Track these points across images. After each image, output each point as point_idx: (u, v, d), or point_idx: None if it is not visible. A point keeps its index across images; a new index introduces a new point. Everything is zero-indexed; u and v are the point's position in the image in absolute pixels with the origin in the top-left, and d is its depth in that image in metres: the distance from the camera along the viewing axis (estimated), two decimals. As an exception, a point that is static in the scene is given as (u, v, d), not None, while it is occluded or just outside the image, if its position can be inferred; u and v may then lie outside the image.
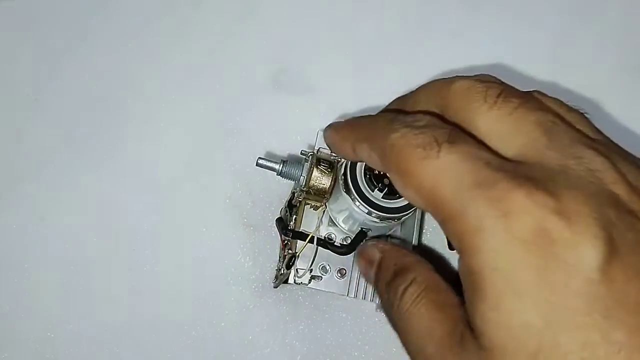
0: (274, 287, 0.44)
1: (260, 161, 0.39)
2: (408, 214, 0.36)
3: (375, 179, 0.36)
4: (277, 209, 0.47)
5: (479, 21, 0.54)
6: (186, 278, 0.47)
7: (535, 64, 0.52)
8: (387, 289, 0.32)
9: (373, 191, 0.36)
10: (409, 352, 0.30)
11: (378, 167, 0.31)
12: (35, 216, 0.48)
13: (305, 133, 0.49)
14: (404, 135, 0.28)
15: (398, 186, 0.29)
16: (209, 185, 0.48)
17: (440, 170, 0.26)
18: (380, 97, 0.48)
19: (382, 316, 0.34)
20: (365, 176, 0.36)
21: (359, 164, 0.36)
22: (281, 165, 0.39)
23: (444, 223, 0.27)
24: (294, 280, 0.40)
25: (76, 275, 0.47)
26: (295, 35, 0.53)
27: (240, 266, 0.47)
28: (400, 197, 0.36)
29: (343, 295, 0.41)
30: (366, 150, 0.31)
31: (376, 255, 0.35)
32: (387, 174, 0.33)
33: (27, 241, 0.47)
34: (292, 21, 0.54)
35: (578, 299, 0.23)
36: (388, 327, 0.33)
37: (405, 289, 0.31)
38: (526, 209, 0.24)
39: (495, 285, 0.24)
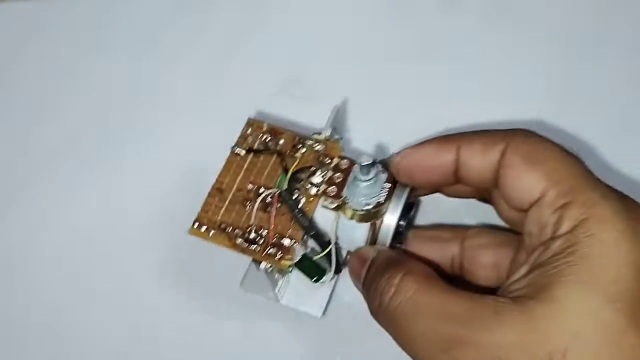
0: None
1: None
2: None
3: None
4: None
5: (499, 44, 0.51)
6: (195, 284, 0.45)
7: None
8: (379, 284, 0.32)
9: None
10: (413, 346, 0.29)
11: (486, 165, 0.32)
12: (40, 222, 0.47)
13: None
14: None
15: (518, 173, 0.30)
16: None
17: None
18: (391, 109, 0.49)
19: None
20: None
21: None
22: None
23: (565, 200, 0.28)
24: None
25: (82, 280, 0.46)
26: (307, 44, 0.52)
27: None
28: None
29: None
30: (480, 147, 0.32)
31: (370, 253, 0.35)
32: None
33: (32, 246, 0.47)
34: (304, 29, 0.53)
35: None
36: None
37: (403, 278, 0.30)
38: None
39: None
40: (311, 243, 0.37)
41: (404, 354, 0.38)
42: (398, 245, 0.38)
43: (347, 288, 0.40)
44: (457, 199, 0.38)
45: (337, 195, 0.35)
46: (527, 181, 0.29)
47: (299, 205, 0.35)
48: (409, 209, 0.37)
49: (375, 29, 0.52)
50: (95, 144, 0.49)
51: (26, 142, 0.50)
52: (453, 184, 0.35)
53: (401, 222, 0.36)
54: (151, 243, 0.46)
